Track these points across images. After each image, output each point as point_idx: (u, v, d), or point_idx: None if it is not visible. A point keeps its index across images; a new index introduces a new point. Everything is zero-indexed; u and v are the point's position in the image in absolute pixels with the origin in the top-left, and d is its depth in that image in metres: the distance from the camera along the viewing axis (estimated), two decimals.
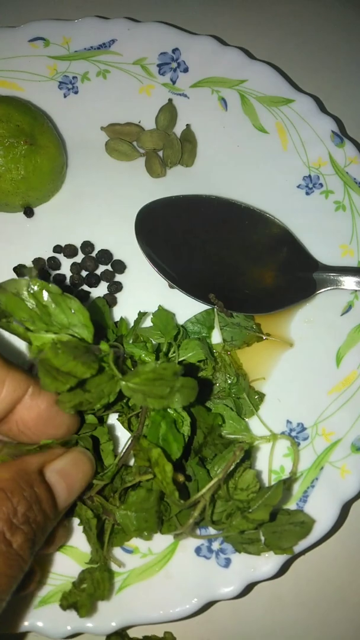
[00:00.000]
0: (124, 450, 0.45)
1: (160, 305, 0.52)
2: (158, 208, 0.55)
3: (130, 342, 0.51)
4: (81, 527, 0.45)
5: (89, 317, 0.43)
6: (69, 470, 0.40)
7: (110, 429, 0.50)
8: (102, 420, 0.47)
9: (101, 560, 0.45)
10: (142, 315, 0.52)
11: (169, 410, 0.44)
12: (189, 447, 0.47)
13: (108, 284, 0.55)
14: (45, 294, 0.41)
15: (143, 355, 0.48)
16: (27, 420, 0.39)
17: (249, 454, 0.49)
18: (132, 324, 0.53)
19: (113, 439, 0.49)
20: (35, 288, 0.41)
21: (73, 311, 0.43)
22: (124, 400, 0.49)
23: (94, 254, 0.56)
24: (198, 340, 0.50)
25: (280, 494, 0.41)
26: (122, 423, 0.48)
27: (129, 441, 0.46)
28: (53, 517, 0.38)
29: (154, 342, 0.51)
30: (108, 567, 0.45)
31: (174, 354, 0.49)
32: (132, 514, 0.43)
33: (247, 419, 0.51)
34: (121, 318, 0.53)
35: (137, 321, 0.52)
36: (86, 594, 0.44)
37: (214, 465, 0.47)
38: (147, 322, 0.53)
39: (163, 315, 0.52)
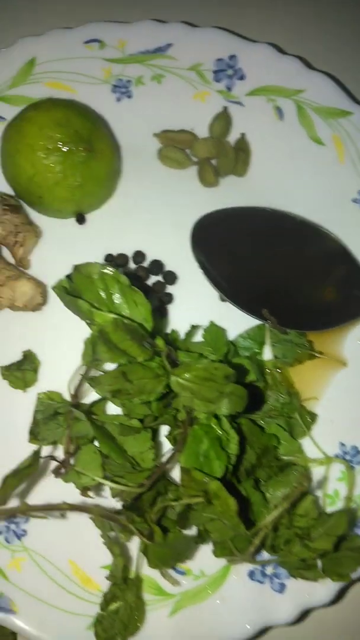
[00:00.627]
0: (164, 460, 0.45)
1: (211, 321, 0.51)
2: (215, 219, 0.54)
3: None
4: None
5: (150, 313, 0.43)
6: None
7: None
8: (146, 428, 0.47)
9: (131, 582, 0.44)
10: (194, 328, 0.51)
11: (213, 426, 0.43)
12: (238, 466, 0.46)
13: (159, 295, 0.54)
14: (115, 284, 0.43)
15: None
16: None
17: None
18: (182, 336, 0.52)
19: (157, 447, 0.48)
20: (108, 274, 0.43)
21: (137, 304, 0.44)
22: (173, 413, 0.48)
23: (145, 264, 0.55)
24: (249, 360, 0.49)
25: (345, 525, 0.40)
26: (170, 441, 0.48)
27: (171, 452, 0.45)
28: None
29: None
30: (139, 593, 0.44)
31: None
32: (166, 550, 0.42)
33: (299, 440, 0.51)
34: (172, 330, 0.52)
35: (189, 334, 0.51)
36: (120, 623, 0.43)
37: (268, 487, 0.46)
38: (198, 337, 0.52)
39: (214, 331, 0.51)
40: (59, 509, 0.38)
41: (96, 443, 0.44)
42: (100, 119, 0.54)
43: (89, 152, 0.51)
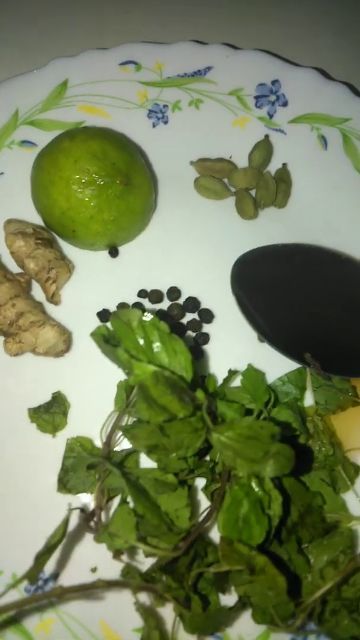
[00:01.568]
0: (202, 518, 0.42)
1: (249, 365, 0.48)
2: (255, 257, 0.51)
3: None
4: None
5: (191, 363, 0.41)
6: None
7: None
8: (184, 483, 0.44)
9: None
10: (232, 374, 0.49)
11: (254, 486, 0.41)
12: (281, 526, 0.44)
13: (195, 334, 0.51)
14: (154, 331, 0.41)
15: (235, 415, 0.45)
16: None
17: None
18: (219, 380, 0.50)
19: (194, 505, 0.45)
20: (147, 321, 0.41)
21: (176, 353, 0.41)
22: (210, 466, 0.46)
23: (180, 301, 0.52)
24: (291, 410, 0.46)
25: None
26: (207, 495, 0.45)
27: (208, 510, 0.42)
28: None
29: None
30: None
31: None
32: (205, 618, 0.40)
33: (342, 495, 0.48)
34: (209, 375, 0.49)
35: (227, 380, 0.48)
36: None
37: (312, 549, 0.44)
38: (237, 381, 0.49)
39: (253, 376, 0.48)
40: (95, 588, 0.35)
41: (129, 500, 0.42)
42: (137, 150, 0.51)
43: (125, 185, 0.48)
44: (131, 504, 0.41)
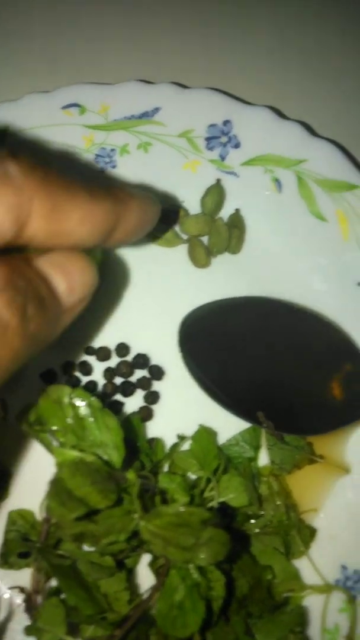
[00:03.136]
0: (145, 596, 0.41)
1: (200, 426, 0.47)
2: (204, 313, 0.49)
3: (166, 469, 0.46)
4: None
5: (122, 440, 0.40)
6: (65, 263, 0.30)
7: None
8: (121, 565, 0.42)
9: None
10: (181, 439, 0.47)
11: (191, 570, 0.39)
12: (228, 602, 0.42)
13: (145, 393, 0.50)
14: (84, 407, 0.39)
15: (176, 492, 0.42)
16: (123, 238, 0.33)
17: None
18: (169, 444, 0.48)
19: (132, 587, 0.43)
20: (77, 399, 0.39)
21: (109, 430, 0.40)
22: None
23: (129, 357, 0.50)
24: (242, 477, 0.44)
25: None
26: (153, 571, 0.43)
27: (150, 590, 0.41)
28: (53, 307, 0.30)
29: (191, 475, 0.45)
30: None
31: (212, 492, 0.44)
32: None
33: (295, 560, 0.46)
34: (157, 440, 0.47)
35: (175, 447, 0.46)
36: None
37: (260, 627, 0.42)
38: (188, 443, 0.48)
39: (204, 439, 0.46)
40: None
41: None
42: None
43: None
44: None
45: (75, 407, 0.39)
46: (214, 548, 0.36)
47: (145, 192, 0.36)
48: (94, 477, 0.35)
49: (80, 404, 0.39)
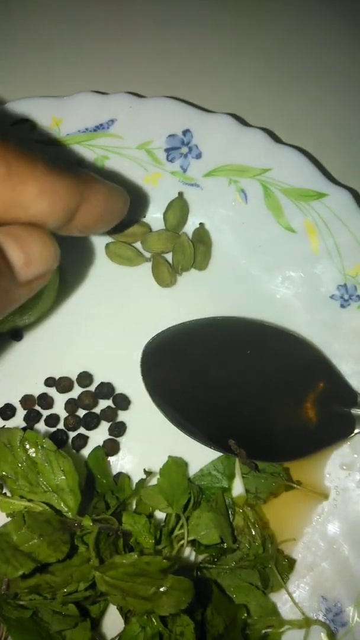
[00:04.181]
0: None
1: (169, 458, 0.44)
2: (166, 339, 0.46)
3: (134, 507, 0.44)
4: None
5: (78, 484, 0.38)
6: (23, 235, 0.28)
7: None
8: (86, 613, 0.40)
9: None
10: (147, 474, 0.44)
11: (152, 619, 0.36)
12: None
13: (110, 424, 0.47)
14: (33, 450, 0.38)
15: (140, 535, 0.40)
16: (88, 223, 0.32)
17: None
18: (136, 478, 0.45)
19: (100, 636, 0.41)
20: (30, 440, 0.38)
21: (64, 473, 0.38)
22: None
23: (92, 387, 0.48)
24: (213, 514, 0.42)
25: None
26: (122, 615, 0.41)
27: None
28: (4, 277, 0.28)
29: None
30: None
31: (182, 530, 0.41)
32: None
33: (274, 593, 0.44)
34: (122, 476, 0.45)
35: (141, 483, 0.44)
36: None
37: None
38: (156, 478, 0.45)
39: (172, 473, 0.44)
40: None
41: None
42: None
43: None
44: None
45: (27, 451, 0.37)
46: (176, 596, 0.34)
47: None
48: (44, 529, 0.33)
49: (32, 448, 0.37)
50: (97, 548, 0.35)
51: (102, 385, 0.47)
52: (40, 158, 0.28)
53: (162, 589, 0.34)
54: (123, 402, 0.47)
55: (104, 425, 0.47)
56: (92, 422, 0.46)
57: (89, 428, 0.46)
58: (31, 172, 0.27)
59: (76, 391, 0.48)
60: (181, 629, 0.37)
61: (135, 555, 0.33)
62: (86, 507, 0.41)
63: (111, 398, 0.47)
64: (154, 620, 0.36)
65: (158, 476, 0.44)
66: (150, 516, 0.42)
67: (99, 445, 0.46)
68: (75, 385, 0.48)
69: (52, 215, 0.29)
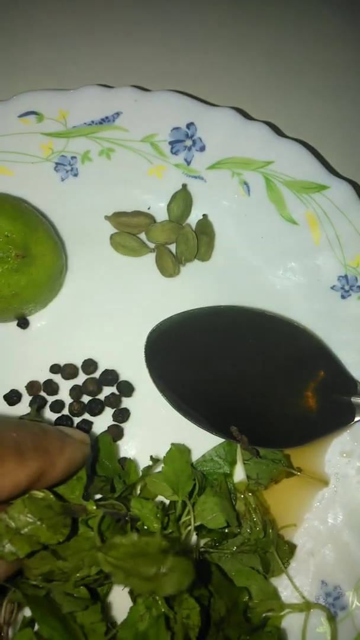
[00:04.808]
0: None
1: (172, 446, 0.45)
2: (170, 326, 0.47)
3: (139, 493, 0.44)
4: None
5: (85, 470, 0.38)
6: None
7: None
8: (96, 596, 0.41)
9: None
10: (154, 461, 0.45)
11: (157, 600, 0.37)
12: (207, 625, 0.40)
13: (114, 411, 0.48)
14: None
15: (147, 519, 0.41)
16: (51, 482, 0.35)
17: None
18: (141, 463, 0.46)
19: (109, 618, 0.42)
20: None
21: None
22: None
23: (97, 374, 0.48)
24: (218, 497, 0.43)
25: None
26: (131, 597, 0.42)
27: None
28: None
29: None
30: None
31: (188, 516, 0.42)
32: None
33: (274, 578, 0.45)
34: (129, 462, 0.46)
35: (147, 470, 0.45)
36: None
37: None
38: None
39: (176, 460, 0.44)
40: None
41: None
42: (37, 215, 0.47)
43: (23, 257, 0.44)
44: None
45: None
46: (177, 577, 0.34)
47: (79, 432, 0.39)
48: (44, 514, 0.33)
49: None
50: (100, 530, 0.36)
51: (107, 372, 0.48)
52: (10, 447, 0.32)
53: (163, 570, 0.34)
54: (127, 389, 0.48)
55: (108, 412, 0.48)
56: (96, 407, 0.47)
57: (93, 414, 0.47)
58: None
59: (81, 378, 0.48)
60: (187, 612, 0.38)
61: (135, 536, 0.34)
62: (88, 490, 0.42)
63: (115, 385, 0.48)
64: (159, 601, 0.36)
65: (162, 464, 0.44)
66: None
67: (104, 431, 0.47)
68: (80, 372, 0.48)
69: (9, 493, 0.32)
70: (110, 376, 0.48)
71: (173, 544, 0.34)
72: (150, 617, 0.36)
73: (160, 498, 0.44)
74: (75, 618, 0.39)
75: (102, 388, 0.48)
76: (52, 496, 0.34)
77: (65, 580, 0.36)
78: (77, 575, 0.36)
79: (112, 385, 0.48)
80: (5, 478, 0.31)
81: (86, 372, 0.48)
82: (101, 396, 0.48)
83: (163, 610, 0.36)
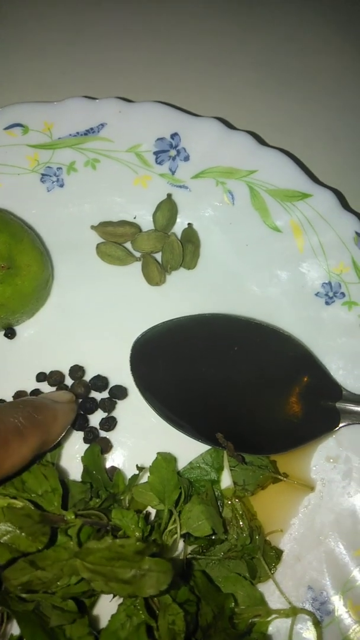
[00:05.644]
0: None
1: (158, 455, 0.45)
2: (155, 334, 0.48)
3: (127, 503, 0.44)
4: None
5: (59, 482, 0.39)
6: None
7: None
8: (83, 609, 0.41)
9: None
10: (140, 470, 0.45)
11: (137, 607, 0.37)
12: (195, 630, 0.41)
13: (100, 419, 0.48)
14: None
15: (128, 529, 0.41)
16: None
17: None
18: (128, 472, 0.46)
19: (94, 632, 0.42)
20: None
21: (46, 478, 0.39)
22: None
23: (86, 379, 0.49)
24: (203, 506, 0.43)
25: None
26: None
27: None
28: None
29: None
30: None
31: (175, 525, 0.42)
32: None
33: (261, 583, 0.45)
34: (117, 472, 0.46)
35: (133, 479, 0.45)
36: None
37: None
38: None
39: (162, 469, 0.44)
40: None
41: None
42: (22, 226, 0.47)
43: (8, 269, 0.45)
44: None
45: None
46: (156, 577, 0.34)
47: (64, 394, 0.45)
48: (23, 522, 0.34)
49: None
50: (79, 540, 0.36)
51: (98, 377, 0.48)
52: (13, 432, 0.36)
53: (140, 572, 0.34)
54: (120, 392, 0.48)
55: (94, 421, 0.48)
56: (88, 405, 0.47)
57: (87, 412, 0.48)
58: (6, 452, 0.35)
59: (69, 385, 0.49)
60: (172, 618, 0.38)
61: (109, 539, 0.34)
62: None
63: (107, 390, 0.48)
64: (140, 610, 0.37)
65: (148, 474, 0.45)
66: (139, 512, 0.43)
67: (94, 443, 0.47)
68: (68, 379, 0.49)
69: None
70: (101, 382, 0.48)
71: (149, 545, 0.34)
72: (130, 625, 0.36)
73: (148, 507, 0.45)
74: (64, 632, 0.39)
75: (91, 391, 0.48)
76: (31, 506, 0.34)
77: (44, 591, 0.36)
78: (58, 584, 0.36)
79: (103, 391, 0.49)
80: (13, 457, 0.36)
81: (74, 377, 0.49)
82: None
83: (143, 617, 0.36)
